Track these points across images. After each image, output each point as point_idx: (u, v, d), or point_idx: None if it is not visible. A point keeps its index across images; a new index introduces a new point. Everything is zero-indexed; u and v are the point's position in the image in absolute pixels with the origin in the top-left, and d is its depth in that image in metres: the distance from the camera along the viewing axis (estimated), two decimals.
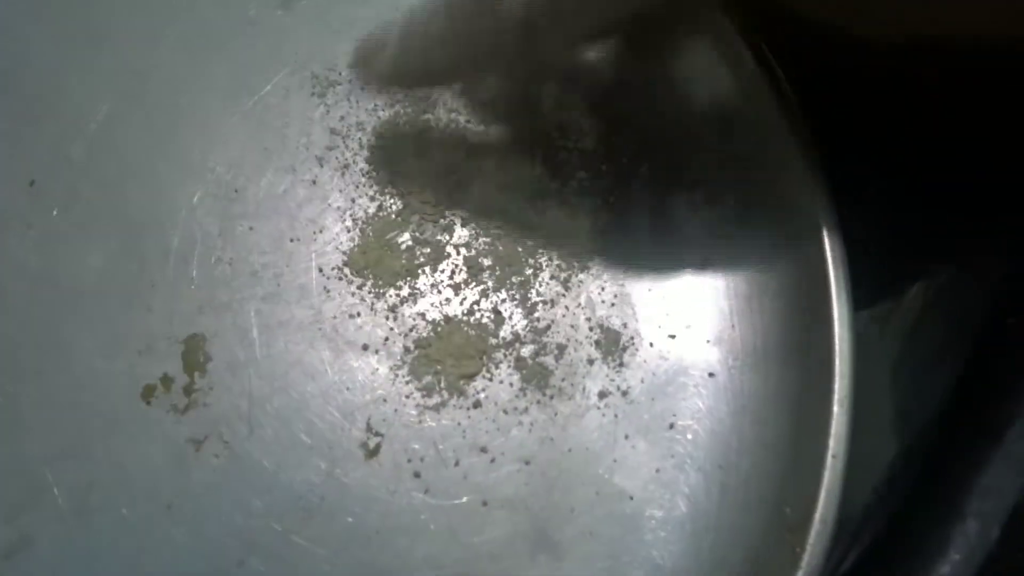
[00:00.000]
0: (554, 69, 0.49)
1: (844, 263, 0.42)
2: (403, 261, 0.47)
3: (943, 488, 0.39)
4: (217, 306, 0.46)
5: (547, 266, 0.47)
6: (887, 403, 0.46)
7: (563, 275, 0.47)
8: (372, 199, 0.48)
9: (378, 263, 0.47)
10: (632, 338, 0.45)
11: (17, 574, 0.43)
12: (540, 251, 0.47)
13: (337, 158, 0.49)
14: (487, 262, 0.46)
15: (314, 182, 0.49)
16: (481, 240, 0.47)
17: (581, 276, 0.47)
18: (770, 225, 0.46)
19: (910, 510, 0.40)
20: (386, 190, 0.48)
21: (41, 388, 0.45)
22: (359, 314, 0.46)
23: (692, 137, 0.48)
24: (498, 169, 0.49)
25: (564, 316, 0.46)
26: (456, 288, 0.46)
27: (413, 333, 0.46)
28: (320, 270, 0.47)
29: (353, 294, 0.47)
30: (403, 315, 0.46)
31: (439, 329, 0.45)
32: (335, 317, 0.46)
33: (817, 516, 0.38)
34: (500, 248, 0.47)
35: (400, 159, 0.49)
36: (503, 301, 0.46)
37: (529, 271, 0.46)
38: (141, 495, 0.44)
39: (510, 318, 0.46)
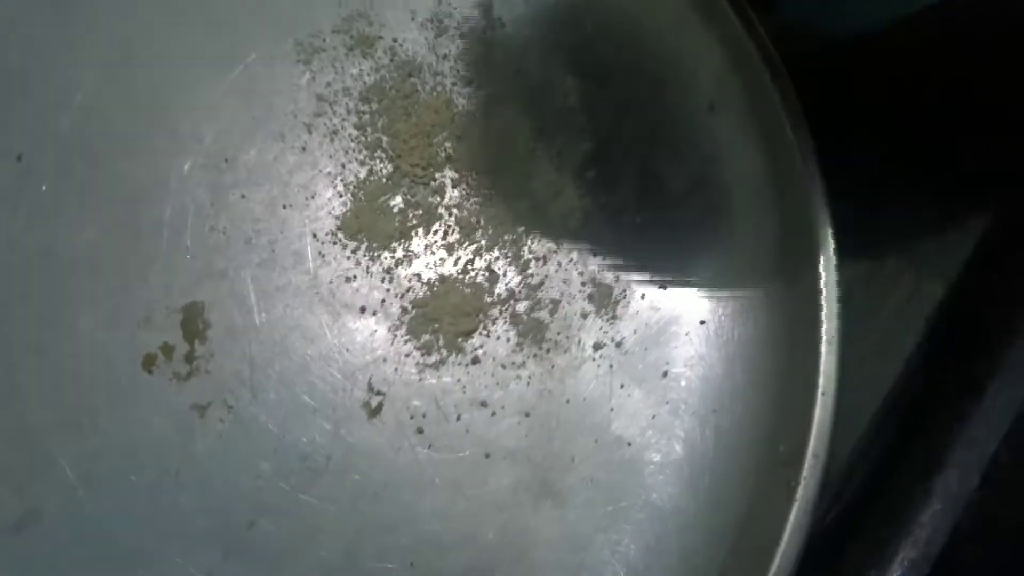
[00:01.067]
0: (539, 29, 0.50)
1: (828, 211, 0.44)
2: (396, 224, 0.48)
3: (926, 439, 0.40)
4: (214, 274, 0.47)
5: (538, 224, 0.47)
6: (870, 354, 0.48)
7: (554, 232, 0.48)
8: (362, 164, 0.49)
9: (371, 227, 0.48)
10: (624, 291, 0.46)
11: (28, 547, 0.44)
12: (531, 210, 0.48)
13: (325, 124, 0.50)
14: (479, 222, 0.48)
15: (304, 149, 0.50)
16: (472, 201, 0.48)
17: (573, 232, 0.48)
18: (755, 176, 0.47)
19: (893, 461, 0.43)
20: (375, 154, 0.49)
21: (42, 362, 0.46)
22: (355, 277, 0.47)
23: (674, 93, 0.49)
24: (484, 131, 0.49)
25: (557, 272, 0.47)
26: (450, 248, 0.47)
27: (409, 294, 0.47)
28: (314, 235, 0.48)
29: (348, 258, 0.48)
30: (399, 277, 0.47)
31: (435, 289, 0.47)
32: (331, 281, 0.47)
33: (810, 450, 0.40)
34: (491, 208, 0.48)
35: (388, 123, 0.50)
36: (496, 259, 0.47)
37: (520, 228, 0.48)
38: (149, 463, 0.45)
39: (504, 276, 0.47)
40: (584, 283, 0.46)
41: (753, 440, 0.44)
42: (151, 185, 0.49)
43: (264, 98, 0.50)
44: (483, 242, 0.47)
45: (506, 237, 0.47)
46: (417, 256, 0.47)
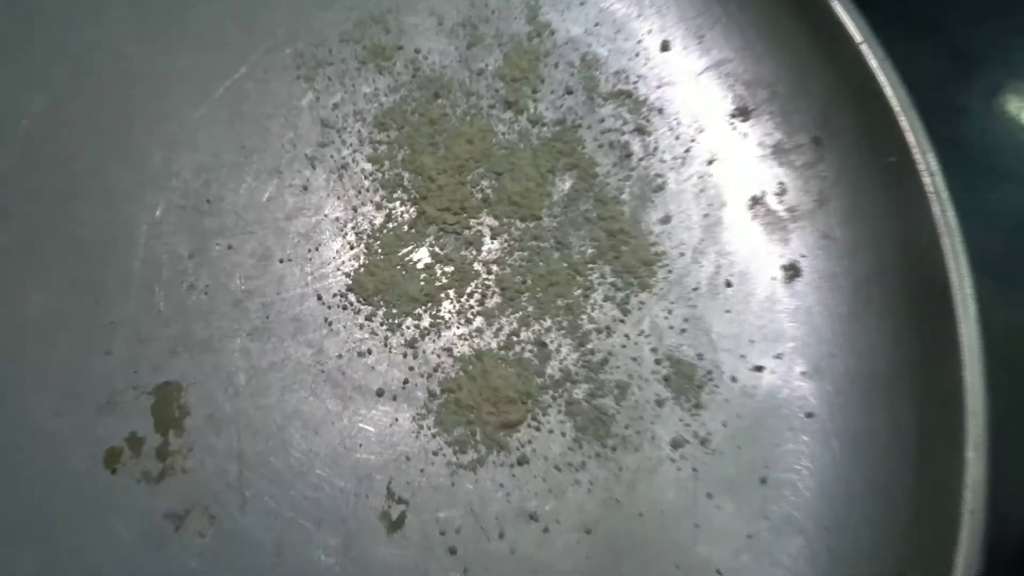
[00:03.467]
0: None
1: (967, 262, 0.37)
2: (421, 284, 0.41)
3: None
4: (193, 346, 0.41)
5: (599, 284, 0.41)
6: None
7: (619, 295, 0.41)
8: (378, 207, 0.43)
9: (390, 287, 0.42)
10: (710, 372, 0.40)
11: None
12: (589, 265, 0.41)
13: (332, 156, 0.44)
14: (525, 282, 0.41)
15: (305, 187, 0.43)
16: (516, 255, 0.41)
17: (642, 296, 0.41)
18: (874, 219, 0.40)
19: None
20: (395, 195, 0.43)
21: None
22: (370, 351, 0.41)
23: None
24: (532, 164, 0.42)
25: (624, 347, 0.41)
26: (489, 316, 0.41)
27: (438, 374, 0.41)
28: (319, 297, 0.42)
29: (361, 326, 0.42)
30: (424, 351, 0.41)
31: (470, 368, 0.40)
32: (340, 356, 0.41)
33: None
34: (540, 263, 0.41)
35: (411, 155, 0.43)
36: (548, 330, 0.41)
37: (578, 291, 0.41)
38: None
39: (558, 351, 0.41)
40: (659, 362, 0.41)
41: (876, 567, 0.36)
42: (116, 233, 0.43)
43: (256, 123, 0.45)
44: (530, 308, 0.41)
45: (560, 302, 0.42)
46: (447, 325, 0.42)
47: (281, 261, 0.42)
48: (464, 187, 0.43)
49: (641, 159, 0.44)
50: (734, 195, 0.43)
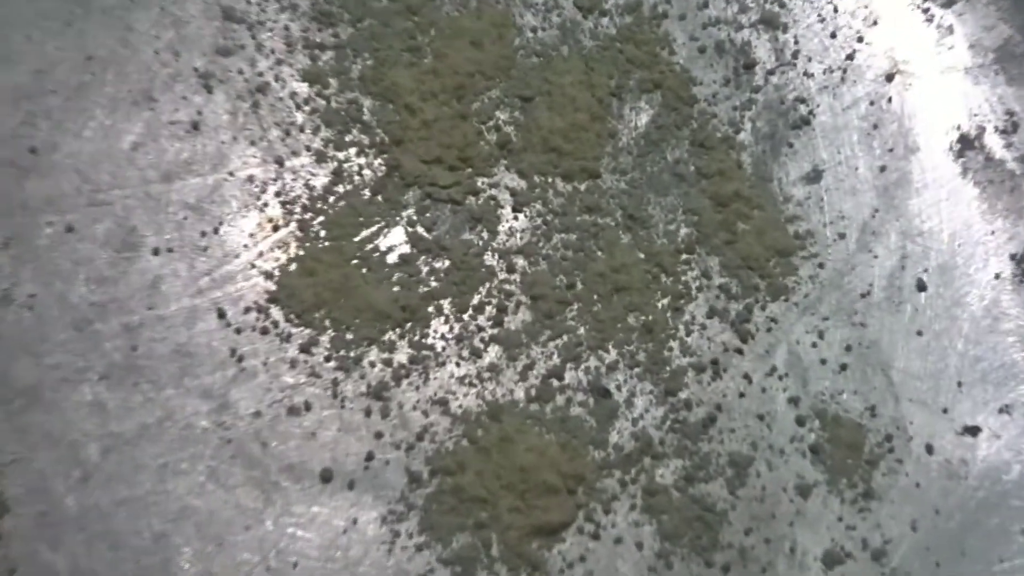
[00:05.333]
0: None
1: None
2: (395, 290, 0.41)
3: None
4: (11, 398, 0.40)
5: (700, 289, 0.41)
6: None
7: (734, 307, 0.41)
8: (320, 159, 0.42)
9: (342, 295, 0.41)
10: (889, 438, 0.39)
11: None
12: (683, 257, 0.41)
13: (241, 72, 0.43)
14: (573, 286, 0.40)
15: (195, 126, 0.43)
16: (557, 239, 0.41)
17: (773, 308, 0.41)
18: None
19: None
20: (348, 138, 0.43)
21: None
22: (308, 406, 0.40)
23: None
24: (583, 82, 0.43)
25: (743, 395, 0.40)
26: (511, 344, 0.41)
27: (425, 444, 0.40)
28: (221, 314, 0.41)
29: (293, 364, 0.41)
30: (401, 406, 0.41)
31: (480, 434, 0.40)
32: (258, 414, 0.40)
33: None
34: (598, 254, 0.41)
35: (375, 68, 0.43)
36: (612, 368, 0.40)
37: (663, 301, 0.40)
38: None
39: (629, 404, 0.40)
40: (802, 420, 0.40)
41: None
42: None
43: (109, 17, 0.44)
44: (581, 330, 0.40)
45: (632, 320, 0.41)
46: (440, 361, 0.41)
47: (156, 252, 0.41)
48: (467, 123, 0.42)
49: (770, 72, 0.43)
50: (929, 134, 0.42)
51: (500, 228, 0.41)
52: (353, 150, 0.42)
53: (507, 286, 0.40)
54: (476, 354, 0.40)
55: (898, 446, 0.38)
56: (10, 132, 0.42)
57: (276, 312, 0.41)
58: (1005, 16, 0.42)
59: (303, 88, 0.42)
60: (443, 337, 0.40)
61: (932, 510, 0.37)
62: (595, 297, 0.40)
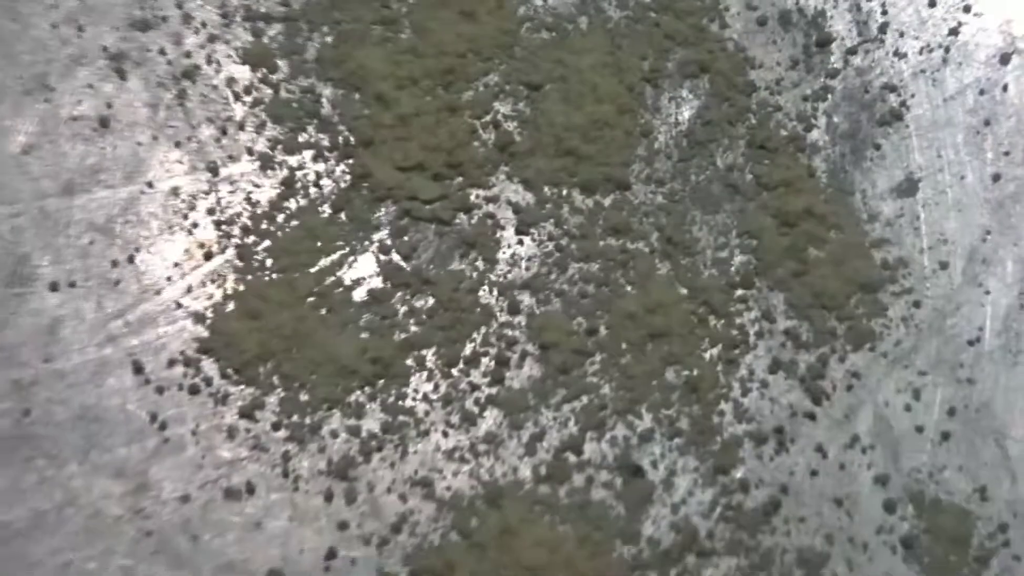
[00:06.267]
0: None
1: None
2: (363, 336, 0.41)
3: None
4: None
5: (760, 334, 0.41)
6: None
7: (804, 358, 0.41)
8: (266, 164, 0.42)
9: (294, 344, 0.41)
10: (1003, 527, 0.39)
11: None
12: (738, 293, 0.41)
13: (162, 50, 0.43)
14: (596, 331, 0.41)
15: (103, 122, 0.42)
16: (574, 270, 0.42)
17: (854, 360, 0.41)
18: None
19: None
20: (303, 138, 0.42)
21: None
22: (251, 489, 0.40)
23: None
24: (608, 64, 0.42)
25: (815, 473, 0.40)
26: (515, 407, 0.41)
27: (403, 538, 0.40)
28: (138, 368, 0.41)
29: (231, 433, 0.41)
30: (372, 487, 0.40)
31: (474, 525, 0.40)
32: (187, 498, 0.40)
33: None
34: (627, 289, 0.41)
35: (337, 46, 0.43)
36: (646, 438, 0.40)
37: (713, 350, 0.41)
38: None
39: (668, 485, 0.40)
40: (891, 507, 0.40)
41: None
42: None
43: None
44: (606, 388, 0.40)
45: (671, 375, 0.40)
46: (423, 430, 0.40)
47: (54, 288, 0.41)
48: (457, 118, 0.42)
49: (851, 51, 0.43)
50: None
51: (500, 256, 0.41)
52: (308, 154, 0.42)
53: (509, 331, 0.41)
54: (469, 420, 0.40)
55: (1016, 539, 0.38)
56: None
57: (209, 366, 0.41)
58: None
59: (243, 73, 0.43)
60: (426, 398, 0.41)
61: None
62: (624, 346, 0.40)
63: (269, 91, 0.42)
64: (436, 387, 0.40)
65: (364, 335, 0.40)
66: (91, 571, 0.40)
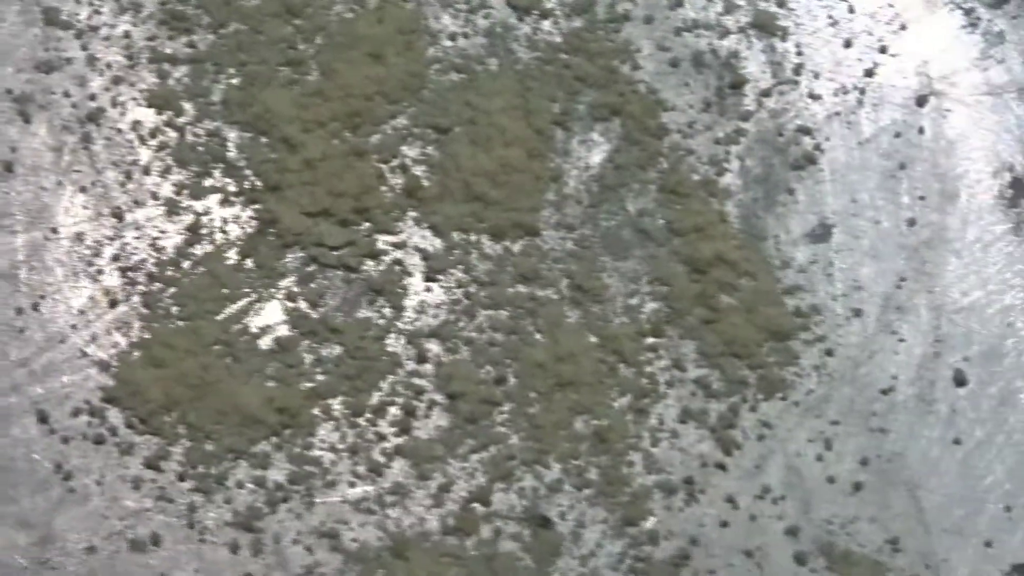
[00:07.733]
0: None
1: None
2: (269, 385, 0.42)
3: None
4: None
5: (671, 383, 0.42)
6: None
7: (715, 408, 0.41)
8: (172, 210, 0.42)
9: (201, 393, 0.41)
10: None
11: None
12: (648, 341, 0.41)
13: (66, 93, 0.42)
14: (503, 379, 0.41)
15: (8, 167, 0.42)
16: (483, 317, 0.42)
17: (765, 409, 0.41)
18: None
19: None
20: (208, 183, 0.42)
21: None
22: (157, 541, 0.40)
23: None
24: (518, 106, 0.42)
25: (725, 525, 0.40)
26: (422, 457, 0.41)
27: None
28: (42, 418, 0.41)
29: (136, 484, 0.41)
30: (279, 539, 0.40)
31: (380, 575, 0.39)
32: (93, 549, 0.40)
33: None
34: (536, 337, 0.42)
35: (244, 87, 0.42)
36: (554, 489, 0.41)
37: (623, 400, 0.41)
38: None
39: (576, 538, 0.40)
40: (802, 559, 0.40)
41: None
42: None
43: None
44: (515, 438, 0.40)
45: (580, 424, 0.40)
46: (330, 481, 0.40)
47: None
48: (364, 162, 0.42)
49: (765, 93, 0.44)
50: (973, 176, 0.42)
51: (408, 303, 0.42)
52: (215, 198, 0.43)
53: (417, 380, 0.42)
54: (376, 471, 0.41)
55: None
56: None
57: (114, 415, 0.42)
58: None
59: (149, 116, 0.44)
60: (333, 448, 0.42)
61: None
62: (532, 395, 0.41)
63: (175, 134, 0.43)
64: (343, 437, 0.41)
65: (270, 384, 0.41)
66: None
